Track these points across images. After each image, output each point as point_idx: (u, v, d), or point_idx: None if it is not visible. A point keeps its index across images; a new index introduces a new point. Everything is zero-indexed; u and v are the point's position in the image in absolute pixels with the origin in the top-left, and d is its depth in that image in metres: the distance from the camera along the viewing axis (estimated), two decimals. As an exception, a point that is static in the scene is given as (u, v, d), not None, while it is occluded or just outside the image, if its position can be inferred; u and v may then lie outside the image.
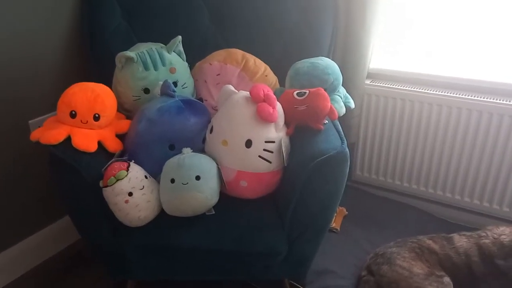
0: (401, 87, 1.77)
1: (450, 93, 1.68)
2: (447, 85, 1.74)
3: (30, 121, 1.58)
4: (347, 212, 1.81)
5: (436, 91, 1.71)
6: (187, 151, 1.29)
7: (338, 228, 1.71)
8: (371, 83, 1.83)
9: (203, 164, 1.27)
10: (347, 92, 1.55)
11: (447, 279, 1.32)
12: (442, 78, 1.74)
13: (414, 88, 1.75)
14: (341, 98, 1.48)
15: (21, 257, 1.66)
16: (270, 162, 1.30)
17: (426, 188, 1.86)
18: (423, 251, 1.40)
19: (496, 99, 1.61)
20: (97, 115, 1.28)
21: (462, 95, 1.67)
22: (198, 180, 1.23)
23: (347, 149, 1.18)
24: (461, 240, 1.42)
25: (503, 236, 1.37)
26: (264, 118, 1.26)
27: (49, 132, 1.21)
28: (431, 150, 1.79)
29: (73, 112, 1.25)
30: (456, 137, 1.71)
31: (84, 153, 1.22)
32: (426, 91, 1.72)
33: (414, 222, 1.76)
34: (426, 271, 1.33)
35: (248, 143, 1.28)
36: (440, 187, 1.83)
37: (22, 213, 1.63)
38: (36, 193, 1.66)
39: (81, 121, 1.26)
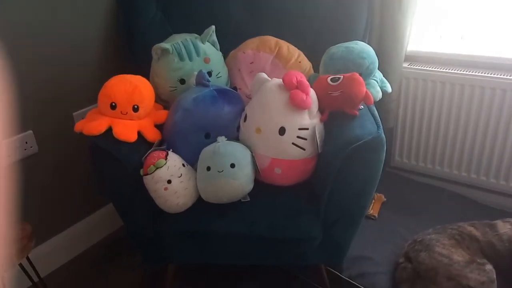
0: (441, 69, 1.71)
1: (493, 74, 1.61)
2: (489, 66, 1.66)
3: (74, 113, 1.66)
4: (385, 199, 1.78)
5: (478, 72, 1.64)
6: (222, 139, 1.32)
7: (376, 215, 1.69)
8: (409, 66, 1.78)
9: (238, 152, 1.29)
10: (384, 76, 1.51)
11: (489, 267, 1.28)
12: (484, 58, 1.66)
13: (454, 70, 1.68)
14: (377, 83, 1.45)
15: (70, 242, 1.76)
16: (304, 149, 1.30)
17: (468, 174, 1.80)
18: (464, 238, 1.36)
19: (545, 79, 1.52)
20: (136, 106, 1.33)
21: (506, 75, 1.58)
22: (233, 168, 1.25)
23: (383, 135, 1.16)
24: (505, 227, 1.37)
25: (551, 223, 1.31)
26: (297, 105, 1.26)
27: (91, 124, 1.26)
28: (473, 134, 1.72)
29: (113, 104, 1.30)
30: (500, 120, 1.64)
31: (124, 143, 1.27)
32: (467, 72, 1.65)
33: (455, 208, 1.71)
34: (467, 258, 1.29)
35: (282, 131, 1.29)
36: (483, 172, 1.76)
37: (70, 201, 1.73)
38: (80, 183, 1.75)
39: (121, 112, 1.31)
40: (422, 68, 1.74)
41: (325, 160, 1.28)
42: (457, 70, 1.68)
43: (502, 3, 1.59)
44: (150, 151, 1.28)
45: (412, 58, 1.82)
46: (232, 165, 1.25)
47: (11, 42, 1.40)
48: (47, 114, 1.57)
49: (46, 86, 1.54)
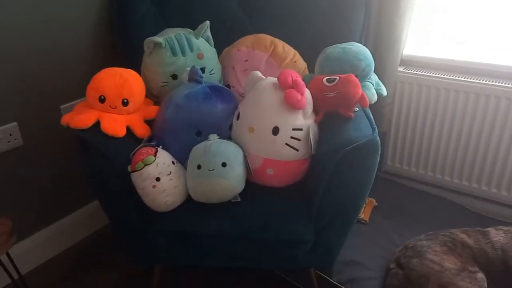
0: (436, 75, 1.70)
1: (488, 81, 1.60)
2: (484, 73, 1.65)
3: (61, 106, 1.61)
4: (377, 203, 1.77)
5: (472, 79, 1.63)
6: (213, 137, 1.29)
7: (367, 219, 1.67)
8: (404, 70, 1.76)
9: (229, 151, 1.26)
10: (379, 79, 1.50)
11: (480, 275, 1.26)
12: (479, 65, 1.66)
13: (449, 76, 1.67)
14: (373, 85, 1.43)
15: (54, 239, 1.71)
16: (297, 150, 1.27)
17: (460, 181, 1.79)
18: (456, 245, 1.35)
19: (540, 88, 1.52)
20: (125, 100, 1.29)
21: (500, 83, 1.58)
22: (224, 167, 1.22)
23: (378, 138, 1.14)
24: (498, 235, 1.36)
25: (543, 232, 1.31)
26: (292, 105, 1.24)
27: (79, 117, 1.22)
28: (466, 141, 1.71)
29: (102, 97, 1.26)
30: (494, 128, 1.63)
31: (112, 137, 1.23)
32: (463, 79, 1.64)
33: (446, 215, 1.70)
34: (459, 266, 1.28)
35: (275, 131, 1.26)
36: (475, 179, 1.75)
37: (55, 196, 1.68)
38: (65, 178, 1.70)
39: (110, 106, 1.27)
40: (417, 72, 1.73)
41: (319, 162, 1.25)
42: (453, 76, 1.67)
43: (498, 9, 1.58)
44: (139, 147, 1.24)
45: (407, 62, 1.81)
46: (224, 164, 1.22)
47: (-3, 30, 1.36)
48: (33, 106, 1.52)
49: (33, 78, 1.50)
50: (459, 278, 1.24)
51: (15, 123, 1.47)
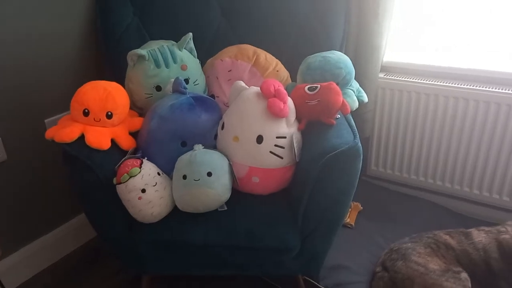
0: (416, 80, 1.74)
1: (467, 86, 1.64)
2: (463, 77, 1.70)
3: (46, 120, 1.60)
4: (362, 207, 1.79)
5: (452, 84, 1.67)
6: (198, 147, 1.30)
7: (353, 224, 1.69)
8: (385, 76, 1.80)
9: (215, 161, 1.27)
10: (360, 85, 1.53)
11: (464, 275, 1.29)
12: (458, 70, 1.70)
13: (429, 81, 1.71)
14: (354, 92, 1.46)
15: (40, 253, 1.69)
16: (281, 158, 1.29)
17: (442, 182, 1.83)
18: (440, 246, 1.38)
19: (515, 91, 1.56)
20: (109, 113, 1.29)
21: (479, 87, 1.62)
22: (209, 177, 1.23)
23: (359, 144, 1.17)
24: (480, 236, 1.39)
25: (522, 231, 1.34)
26: (275, 114, 1.26)
27: (63, 131, 1.22)
28: (448, 144, 1.75)
29: (86, 110, 1.26)
30: (474, 131, 1.67)
31: (97, 150, 1.23)
32: (442, 83, 1.69)
33: (430, 217, 1.73)
34: (443, 267, 1.30)
35: (259, 139, 1.27)
36: (457, 181, 1.79)
37: (40, 211, 1.67)
38: (51, 192, 1.69)
39: (94, 119, 1.28)
40: (397, 78, 1.77)
41: (303, 169, 1.27)
42: (432, 81, 1.71)
43: (477, 15, 1.63)
44: (124, 159, 1.24)
45: (388, 68, 1.85)
46: (209, 174, 1.23)
47: (-21, 45, 1.36)
48: (17, 120, 1.51)
49: (17, 92, 1.49)
50: (444, 279, 1.27)
51: (-2, 138, 1.47)
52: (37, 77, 1.55)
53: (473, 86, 1.63)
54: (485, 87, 1.61)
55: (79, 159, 1.19)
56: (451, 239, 1.41)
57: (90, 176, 1.20)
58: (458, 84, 1.66)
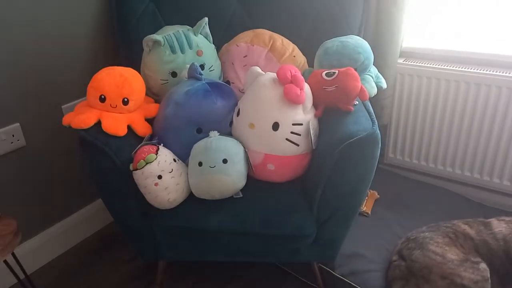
0: (436, 66, 1.69)
1: (489, 71, 1.59)
2: (485, 62, 1.65)
3: (63, 106, 1.62)
4: (378, 196, 1.77)
5: (473, 69, 1.62)
6: (214, 134, 1.29)
7: (369, 212, 1.68)
8: (404, 62, 1.76)
9: (230, 148, 1.26)
10: (378, 71, 1.50)
11: (483, 265, 1.27)
12: (479, 55, 1.65)
13: (449, 67, 1.67)
14: (372, 78, 1.43)
15: (58, 238, 1.72)
16: (297, 145, 1.28)
17: (461, 171, 1.79)
18: (458, 236, 1.35)
19: (541, 77, 1.51)
20: (126, 99, 1.29)
21: (501, 72, 1.57)
22: (225, 163, 1.22)
23: (378, 131, 1.14)
24: (500, 225, 1.36)
25: (545, 222, 1.31)
26: (291, 100, 1.24)
27: (80, 117, 1.23)
28: (468, 132, 1.71)
29: (102, 97, 1.26)
30: (496, 118, 1.63)
31: (114, 137, 1.24)
32: (462, 69, 1.64)
33: (448, 206, 1.70)
34: (461, 257, 1.28)
35: (275, 126, 1.26)
36: (477, 169, 1.75)
37: (58, 196, 1.69)
38: (68, 177, 1.71)
39: (110, 105, 1.28)
40: (417, 64, 1.73)
41: (319, 157, 1.26)
42: (453, 67, 1.66)
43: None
44: (140, 145, 1.24)
45: (407, 54, 1.80)
46: (225, 161, 1.23)
47: (-4, 31, 1.36)
48: (35, 107, 1.53)
49: (34, 79, 1.50)
50: (462, 269, 1.24)
51: (17, 124, 1.48)
52: (54, 64, 1.55)
53: (496, 71, 1.58)
54: (508, 73, 1.56)
55: (95, 145, 1.19)
56: (469, 229, 1.38)
57: (107, 162, 1.20)
58: (480, 70, 1.61)
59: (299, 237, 1.24)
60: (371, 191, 1.78)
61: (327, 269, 1.45)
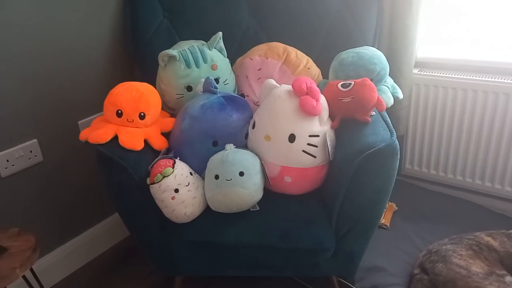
0: (452, 75, 1.67)
1: (505, 79, 1.57)
2: (501, 71, 1.63)
3: (79, 122, 1.63)
4: (397, 208, 1.74)
5: (490, 78, 1.60)
6: (230, 147, 1.29)
7: (388, 224, 1.64)
8: (419, 72, 1.74)
9: (246, 160, 1.25)
10: (394, 82, 1.48)
11: (509, 278, 1.23)
12: (495, 63, 1.63)
13: (466, 76, 1.65)
14: (389, 89, 1.42)
15: (75, 253, 1.72)
16: (314, 157, 1.27)
17: (481, 181, 1.75)
18: (482, 248, 1.31)
19: (561, 84, 1.48)
20: (142, 114, 1.30)
21: (521, 81, 1.55)
22: (241, 176, 1.22)
23: (396, 142, 1.13)
24: (523, 237, 1.32)
25: None
26: (307, 112, 1.23)
27: (97, 132, 1.24)
28: (487, 141, 1.68)
29: (119, 111, 1.27)
30: (516, 126, 1.60)
31: (131, 151, 1.24)
32: (480, 78, 1.62)
33: (469, 217, 1.66)
34: (486, 270, 1.24)
35: (292, 138, 1.25)
36: (498, 180, 1.71)
37: (75, 211, 1.70)
38: (86, 192, 1.72)
39: (127, 120, 1.29)
40: (432, 74, 1.71)
41: (337, 168, 1.24)
42: (469, 76, 1.64)
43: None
44: (157, 159, 1.25)
45: (422, 64, 1.79)
46: (241, 174, 1.22)
47: (14, 49, 1.39)
48: (52, 122, 1.54)
49: (51, 95, 1.52)
50: (487, 282, 1.21)
51: (35, 140, 1.50)
52: (70, 80, 1.57)
53: (514, 80, 1.56)
54: (528, 81, 1.54)
55: (113, 160, 1.20)
56: (493, 241, 1.34)
57: (124, 177, 1.20)
58: (496, 79, 1.59)
59: (319, 251, 1.22)
60: (389, 203, 1.75)
61: (347, 283, 1.43)
